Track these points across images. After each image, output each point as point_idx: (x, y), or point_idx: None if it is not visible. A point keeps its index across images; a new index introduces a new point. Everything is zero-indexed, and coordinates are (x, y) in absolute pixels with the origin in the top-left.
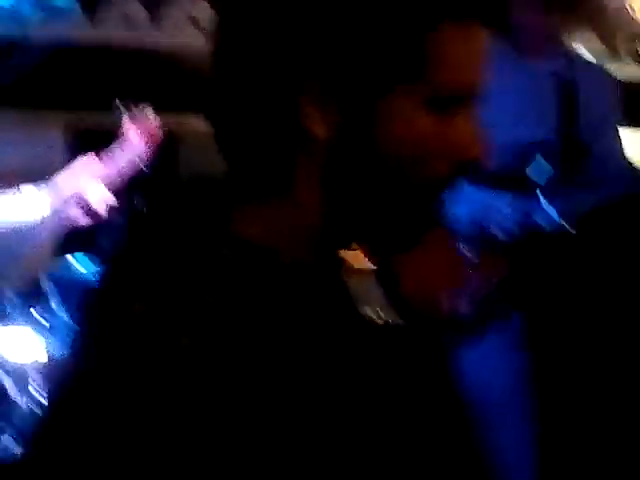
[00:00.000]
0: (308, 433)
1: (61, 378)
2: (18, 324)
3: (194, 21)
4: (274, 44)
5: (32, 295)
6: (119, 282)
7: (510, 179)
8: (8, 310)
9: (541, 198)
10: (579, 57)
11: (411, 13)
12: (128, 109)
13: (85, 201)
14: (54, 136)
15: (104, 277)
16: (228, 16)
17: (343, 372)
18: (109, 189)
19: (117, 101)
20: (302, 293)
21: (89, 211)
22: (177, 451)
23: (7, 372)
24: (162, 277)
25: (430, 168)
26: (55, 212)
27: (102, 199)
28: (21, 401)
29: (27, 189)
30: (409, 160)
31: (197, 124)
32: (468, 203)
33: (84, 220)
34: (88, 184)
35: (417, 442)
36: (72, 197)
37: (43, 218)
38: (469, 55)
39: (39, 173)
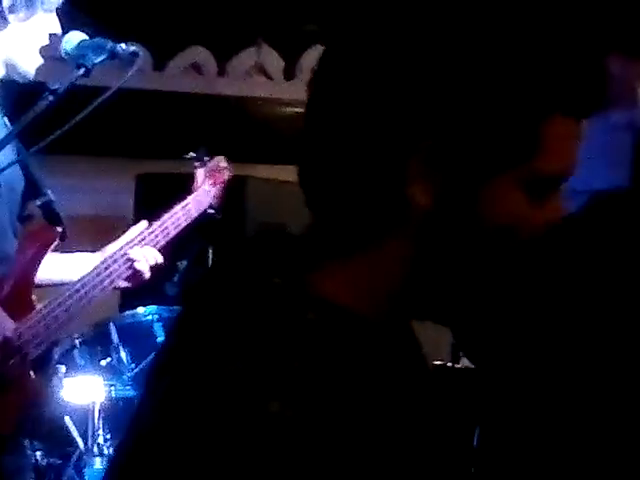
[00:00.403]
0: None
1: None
2: (87, 373)
3: (261, 69)
4: (384, 109)
5: (100, 344)
6: (192, 342)
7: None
8: (78, 361)
9: None
10: None
11: (530, 101)
12: (202, 159)
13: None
14: (125, 183)
15: (174, 334)
16: (331, 63)
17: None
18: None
19: (192, 152)
20: (384, 353)
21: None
22: None
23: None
24: (245, 340)
25: (518, 241)
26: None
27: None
28: (82, 441)
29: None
30: (501, 242)
31: (262, 172)
32: None
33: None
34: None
35: None
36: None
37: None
38: (572, 146)
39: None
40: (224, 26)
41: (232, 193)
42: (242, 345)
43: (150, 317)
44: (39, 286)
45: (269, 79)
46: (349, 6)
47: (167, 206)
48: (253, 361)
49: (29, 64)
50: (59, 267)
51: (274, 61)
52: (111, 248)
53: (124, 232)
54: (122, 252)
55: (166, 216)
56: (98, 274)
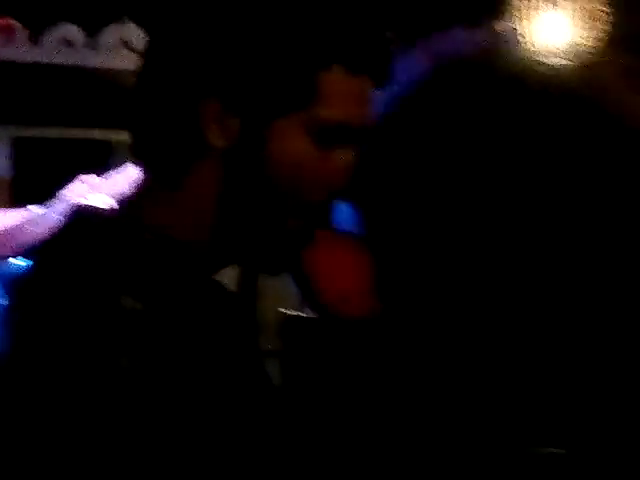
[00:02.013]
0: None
1: None
2: None
3: (127, 45)
4: (184, 66)
5: None
6: (44, 278)
7: None
8: None
9: None
10: None
11: (308, 51)
12: None
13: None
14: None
15: (32, 270)
16: (151, 41)
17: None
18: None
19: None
20: (195, 276)
21: None
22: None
23: None
24: (87, 274)
25: (307, 191)
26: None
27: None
28: None
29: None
30: (290, 180)
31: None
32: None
33: None
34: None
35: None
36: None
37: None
38: (352, 98)
39: None
40: (92, 3)
41: (99, 153)
42: (82, 278)
43: (23, 266)
44: None
45: (133, 52)
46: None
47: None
48: (89, 292)
49: None
50: None
51: (138, 36)
52: None
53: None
54: (76, 195)
55: (114, 172)
56: None
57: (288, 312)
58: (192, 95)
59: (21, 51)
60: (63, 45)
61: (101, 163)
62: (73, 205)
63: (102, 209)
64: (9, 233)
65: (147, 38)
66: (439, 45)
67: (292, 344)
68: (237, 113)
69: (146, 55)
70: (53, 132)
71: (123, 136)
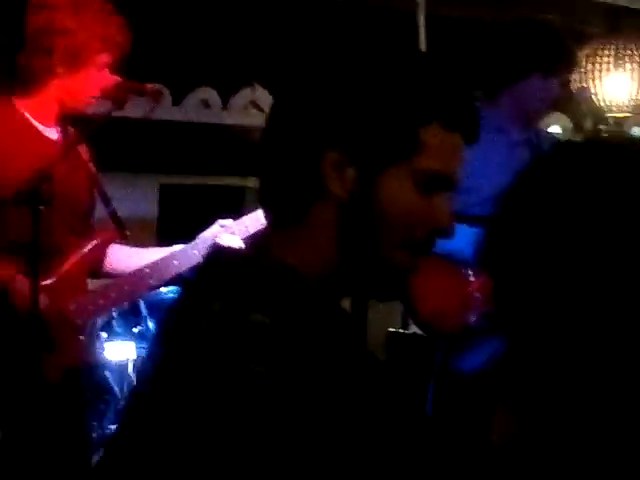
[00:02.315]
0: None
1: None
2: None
3: (256, 105)
4: (307, 122)
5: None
6: (193, 302)
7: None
8: (115, 329)
9: None
10: (543, 129)
11: (412, 109)
12: None
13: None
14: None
15: (181, 298)
16: (276, 102)
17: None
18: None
19: None
20: (317, 308)
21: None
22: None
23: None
24: (234, 297)
25: (413, 231)
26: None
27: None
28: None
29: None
30: (399, 221)
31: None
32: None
33: None
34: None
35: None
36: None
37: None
38: (448, 151)
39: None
40: (226, 69)
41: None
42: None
43: (171, 295)
44: (109, 275)
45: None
46: (292, 64)
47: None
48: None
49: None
50: (125, 258)
51: (266, 98)
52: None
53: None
54: (213, 236)
55: (246, 217)
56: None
57: (394, 330)
58: (315, 147)
59: (166, 111)
60: (201, 106)
61: (235, 206)
62: (212, 244)
63: (234, 248)
64: (156, 267)
65: (273, 99)
66: (520, 93)
67: (396, 356)
68: (354, 162)
69: (273, 114)
70: (194, 180)
71: (254, 183)
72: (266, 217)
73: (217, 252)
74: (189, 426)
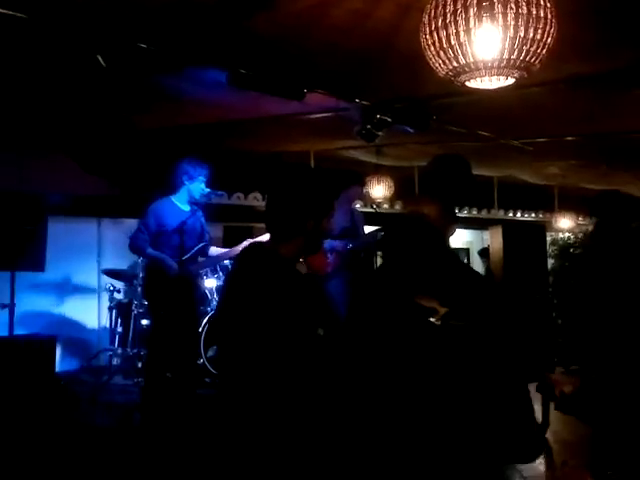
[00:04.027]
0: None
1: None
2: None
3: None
4: (298, 208)
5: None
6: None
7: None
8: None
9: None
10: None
11: (328, 206)
12: None
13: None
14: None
15: (235, 266)
16: (270, 200)
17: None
18: None
19: None
20: (295, 275)
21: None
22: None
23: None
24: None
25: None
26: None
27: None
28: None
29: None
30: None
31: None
32: (329, 244)
33: None
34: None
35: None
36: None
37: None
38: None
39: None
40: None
41: (247, 234)
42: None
43: (228, 263)
44: (209, 257)
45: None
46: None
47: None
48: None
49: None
50: (214, 250)
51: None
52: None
53: None
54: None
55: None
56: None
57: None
58: (303, 220)
59: None
60: None
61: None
62: (250, 243)
63: (262, 242)
64: (226, 254)
65: (266, 200)
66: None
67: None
68: (314, 220)
69: (273, 204)
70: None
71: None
72: (272, 237)
73: (251, 245)
74: (257, 301)
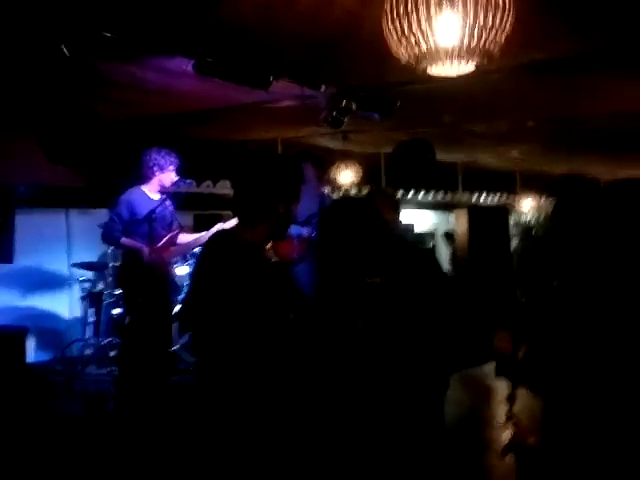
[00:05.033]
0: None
1: None
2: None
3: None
4: (267, 194)
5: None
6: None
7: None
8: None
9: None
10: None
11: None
12: None
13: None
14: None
15: (202, 252)
16: (236, 190)
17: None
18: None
19: None
20: (263, 260)
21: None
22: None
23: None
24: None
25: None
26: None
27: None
28: (181, 286)
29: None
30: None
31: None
32: (295, 230)
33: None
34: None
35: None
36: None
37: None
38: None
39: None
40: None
41: (215, 220)
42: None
43: (198, 249)
44: (177, 244)
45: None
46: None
47: None
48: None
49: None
50: (183, 238)
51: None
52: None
53: None
54: (215, 229)
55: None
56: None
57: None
58: (274, 203)
59: None
60: None
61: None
62: (218, 230)
63: (230, 229)
64: (195, 241)
65: (238, 185)
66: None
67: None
68: (285, 204)
69: (243, 190)
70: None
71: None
72: (239, 223)
73: (218, 232)
74: (227, 279)
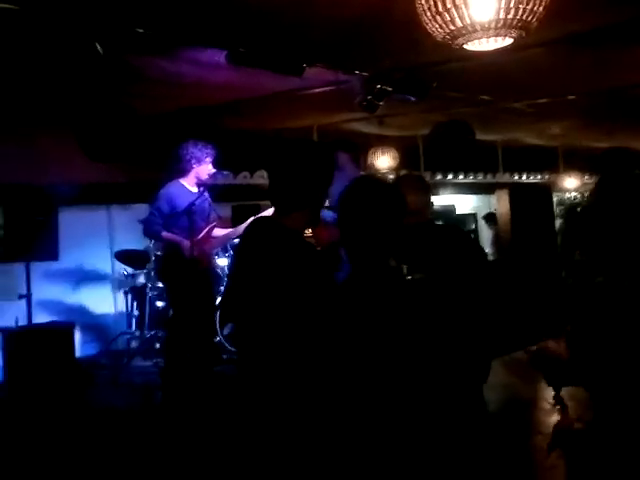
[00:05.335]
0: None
1: None
2: (221, 256)
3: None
4: (305, 180)
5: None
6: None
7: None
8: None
9: None
10: None
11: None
12: None
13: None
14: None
15: (240, 243)
16: (272, 178)
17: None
18: None
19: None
20: (306, 245)
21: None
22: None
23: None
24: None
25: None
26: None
27: None
28: (223, 276)
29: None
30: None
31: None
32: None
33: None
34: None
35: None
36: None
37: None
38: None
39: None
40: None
41: (255, 211)
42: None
43: (236, 240)
44: (215, 237)
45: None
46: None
47: None
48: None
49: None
50: (219, 230)
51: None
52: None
53: None
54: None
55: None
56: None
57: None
58: (310, 190)
59: None
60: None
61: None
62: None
63: (267, 216)
64: (232, 233)
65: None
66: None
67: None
68: (320, 195)
69: (274, 181)
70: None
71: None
72: (276, 211)
73: (257, 220)
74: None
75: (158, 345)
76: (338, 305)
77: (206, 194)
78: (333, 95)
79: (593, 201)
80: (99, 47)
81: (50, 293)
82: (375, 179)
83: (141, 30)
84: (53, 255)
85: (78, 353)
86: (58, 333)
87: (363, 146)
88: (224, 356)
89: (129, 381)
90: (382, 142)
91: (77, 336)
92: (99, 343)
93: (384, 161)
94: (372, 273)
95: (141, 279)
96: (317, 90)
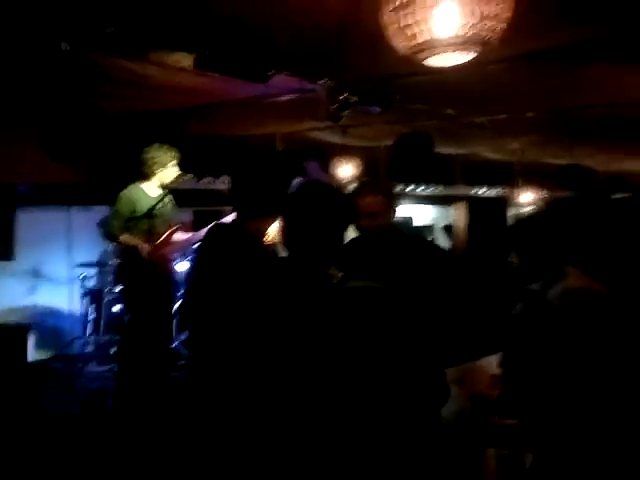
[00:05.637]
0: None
1: None
2: (180, 262)
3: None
4: (273, 188)
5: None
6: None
7: None
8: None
9: None
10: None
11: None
12: None
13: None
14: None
15: (200, 247)
16: (233, 183)
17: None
18: None
19: None
20: (265, 250)
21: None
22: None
23: (179, 273)
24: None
25: None
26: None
27: None
28: (182, 281)
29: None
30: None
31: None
32: None
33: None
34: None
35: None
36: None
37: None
38: None
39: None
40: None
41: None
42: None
43: (197, 245)
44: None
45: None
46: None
47: None
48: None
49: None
50: (180, 234)
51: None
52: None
53: None
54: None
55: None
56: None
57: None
58: (277, 197)
59: None
60: None
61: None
62: (216, 224)
63: (225, 222)
64: (192, 237)
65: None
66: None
67: None
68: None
69: (237, 187)
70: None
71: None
72: (239, 216)
73: (216, 225)
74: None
75: (113, 350)
76: (275, 309)
77: (168, 198)
78: (298, 103)
79: (541, 212)
80: (64, 45)
81: (5, 294)
82: (321, 184)
83: (108, 30)
84: (8, 255)
85: (32, 357)
86: (11, 335)
87: (326, 155)
88: (181, 362)
89: (84, 386)
90: (345, 151)
91: (32, 339)
92: (54, 347)
93: (347, 170)
94: (306, 280)
95: (99, 282)
96: (282, 98)
